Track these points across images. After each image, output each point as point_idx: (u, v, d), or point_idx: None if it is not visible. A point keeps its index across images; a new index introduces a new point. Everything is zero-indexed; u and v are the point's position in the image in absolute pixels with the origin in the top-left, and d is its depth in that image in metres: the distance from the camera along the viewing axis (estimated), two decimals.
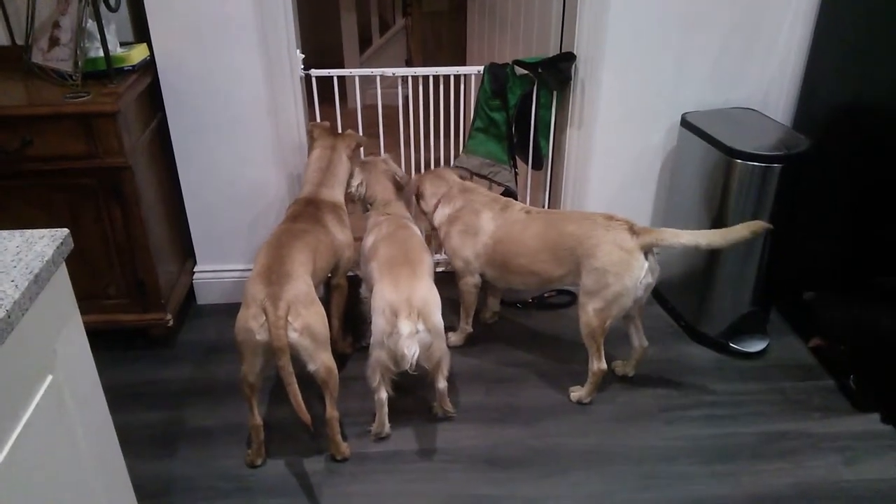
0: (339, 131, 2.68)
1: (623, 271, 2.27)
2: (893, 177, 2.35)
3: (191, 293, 3.07)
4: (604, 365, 2.44)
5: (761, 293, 2.68)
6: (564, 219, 2.45)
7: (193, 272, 3.05)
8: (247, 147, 2.78)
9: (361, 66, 5.08)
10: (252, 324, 2.06)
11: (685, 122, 2.73)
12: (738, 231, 2.25)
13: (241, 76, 2.64)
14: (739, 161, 2.47)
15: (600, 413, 2.48)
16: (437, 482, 2.21)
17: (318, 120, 2.75)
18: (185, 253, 3.03)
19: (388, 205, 2.59)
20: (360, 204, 2.69)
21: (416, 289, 2.20)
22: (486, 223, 2.53)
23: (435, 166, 2.94)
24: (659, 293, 3.04)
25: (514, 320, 2.99)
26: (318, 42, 5.24)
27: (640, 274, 2.28)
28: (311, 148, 2.60)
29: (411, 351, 2.10)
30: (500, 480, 2.22)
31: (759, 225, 2.25)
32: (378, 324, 2.18)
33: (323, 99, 2.83)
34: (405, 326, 2.12)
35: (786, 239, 2.62)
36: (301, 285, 2.12)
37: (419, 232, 2.53)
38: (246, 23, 2.55)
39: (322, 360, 2.13)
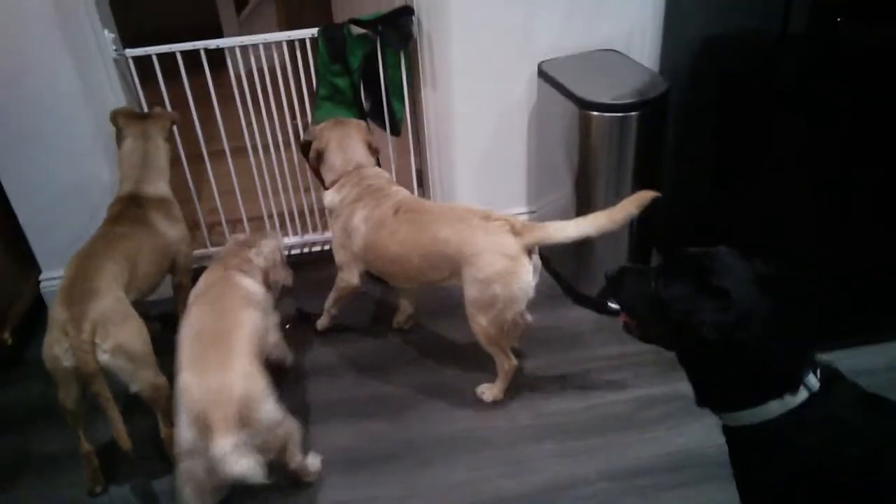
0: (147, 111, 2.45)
1: (510, 280, 2.03)
2: (752, 121, 2.20)
3: (41, 304, 2.83)
4: (513, 361, 2.23)
5: (637, 249, 2.55)
6: (436, 220, 2.15)
7: (40, 281, 2.81)
8: (70, 142, 2.53)
9: (241, 26, 4.75)
10: (56, 349, 1.88)
11: (542, 73, 2.53)
12: (625, 208, 2.00)
13: (49, 71, 2.40)
14: (595, 113, 2.29)
15: (471, 394, 2.33)
16: (291, 497, 2.05)
17: (167, 100, 2.54)
18: (27, 263, 2.78)
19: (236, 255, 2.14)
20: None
21: (232, 381, 1.72)
22: (359, 224, 2.26)
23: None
24: (541, 254, 2.88)
25: (382, 303, 2.80)
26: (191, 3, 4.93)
27: (528, 279, 2.06)
28: (119, 138, 2.33)
29: (243, 468, 1.61)
30: (361, 483, 2.09)
31: (644, 196, 2.00)
32: (183, 435, 1.70)
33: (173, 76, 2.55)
34: (222, 445, 1.61)
35: (656, 189, 2.47)
36: (109, 300, 1.92)
37: (248, 281, 2.07)
38: (43, 14, 2.30)
39: (145, 379, 1.96)
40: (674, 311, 1.31)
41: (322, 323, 2.61)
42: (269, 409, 1.76)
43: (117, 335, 1.89)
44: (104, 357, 1.87)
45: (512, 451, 2.15)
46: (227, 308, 1.93)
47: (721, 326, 1.22)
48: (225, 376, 1.72)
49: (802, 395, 1.28)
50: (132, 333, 1.93)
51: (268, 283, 2.15)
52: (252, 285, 2.06)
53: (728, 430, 1.43)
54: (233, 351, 1.79)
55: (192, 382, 1.73)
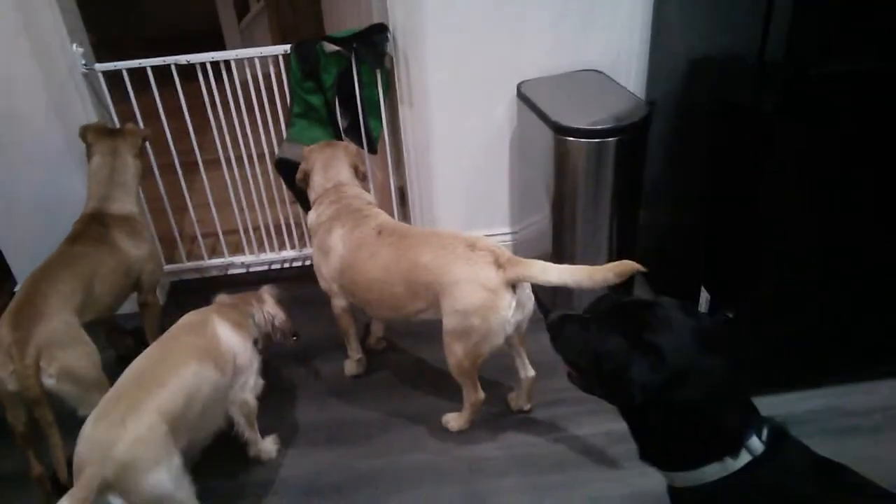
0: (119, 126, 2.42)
1: (488, 313, 1.94)
2: (741, 141, 2.10)
3: None
4: (481, 395, 2.15)
5: None
6: (419, 245, 2.05)
7: (14, 293, 2.79)
8: (42, 155, 2.52)
9: (241, 34, 4.73)
10: (1, 372, 1.83)
11: (520, 94, 2.45)
12: (605, 271, 1.84)
13: (17, 84, 2.39)
14: (571, 139, 2.21)
15: (437, 422, 2.27)
16: None
17: (137, 115, 2.53)
18: (2, 274, 2.78)
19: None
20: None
21: (120, 441, 1.57)
22: (336, 243, 2.18)
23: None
24: None
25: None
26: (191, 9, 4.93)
27: (507, 314, 1.95)
28: (89, 154, 2.30)
29: None
30: None
31: (626, 268, 1.83)
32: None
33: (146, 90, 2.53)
34: None
35: (635, 216, 2.39)
36: (55, 323, 1.89)
37: (228, 333, 1.95)
38: (8, 26, 2.28)
39: (94, 404, 1.89)
40: (605, 366, 1.24)
41: (351, 370, 2.48)
42: (157, 480, 1.60)
43: (63, 359, 1.85)
44: (49, 381, 1.84)
45: (474, 485, 2.07)
46: (171, 359, 1.80)
47: (648, 387, 1.15)
48: (116, 433, 1.59)
49: (744, 458, 1.20)
50: (79, 357, 1.89)
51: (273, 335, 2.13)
52: (230, 338, 1.94)
53: (671, 489, 1.35)
54: (141, 407, 1.65)
55: (87, 427, 1.63)
